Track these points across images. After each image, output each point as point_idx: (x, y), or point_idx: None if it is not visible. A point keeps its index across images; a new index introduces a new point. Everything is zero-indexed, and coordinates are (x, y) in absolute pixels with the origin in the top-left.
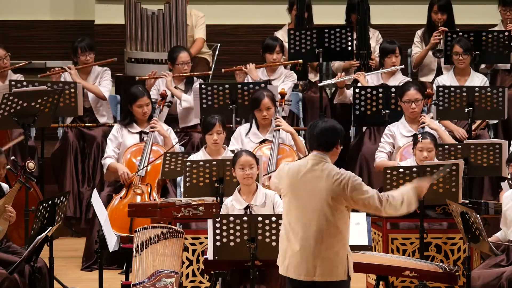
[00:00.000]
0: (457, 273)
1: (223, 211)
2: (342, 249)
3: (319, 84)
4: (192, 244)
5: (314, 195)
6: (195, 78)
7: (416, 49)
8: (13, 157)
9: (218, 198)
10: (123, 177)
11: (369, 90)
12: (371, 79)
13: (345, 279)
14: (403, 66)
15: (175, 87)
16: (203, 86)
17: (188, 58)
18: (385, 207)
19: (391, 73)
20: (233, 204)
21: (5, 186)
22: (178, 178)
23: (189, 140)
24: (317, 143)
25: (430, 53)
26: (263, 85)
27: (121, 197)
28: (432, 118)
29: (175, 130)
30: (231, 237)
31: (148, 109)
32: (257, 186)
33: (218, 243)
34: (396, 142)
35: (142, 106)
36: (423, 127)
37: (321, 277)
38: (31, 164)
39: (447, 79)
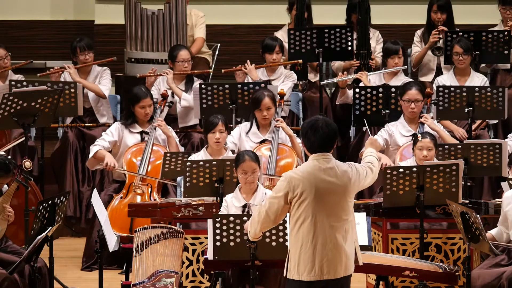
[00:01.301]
0: (457, 273)
1: (223, 206)
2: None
3: (321, 83)
4: (192, 244)
5: (334, 193)
6: (195, 78)
7: (416, 48)
8: (9, 157)
9: (218, 198)
10: (109, 165)
11: (369, 90)
12: (373, 79)
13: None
14: (405, 66)
15: (175, 86)
16: (203, 86)
17: (188, 56)
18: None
19: (393, 74)
20: (232, 201)
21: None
22: (178, 178)
23: (189, 140)
24: (321, 146)
25: (430, 52)
26: (263, 85)
27: (121, 197)
28: (432, 118)
29: (174, 130)
30: (231, 237)
31: (150, 110)
32: (257, 186)
33: (218, 243)
34: (395, 141)
35: (145, 107)
36: (423, 123)
37: (348, 271)
38: (27, 163)
39: (447, 79)
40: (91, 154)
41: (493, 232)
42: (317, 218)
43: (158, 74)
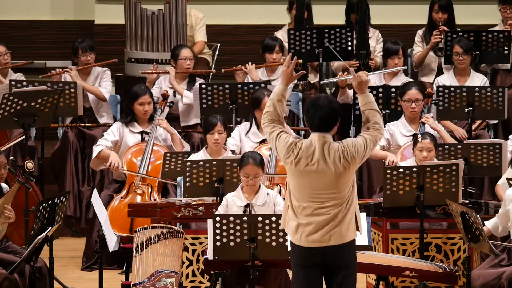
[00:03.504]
0: (457, 273)
1: (222, 204)
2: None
3: (321, 82)
4: (192, 244)
5: (322, 173)
6: (197, 78)
7: (418, 48)
8: (12, 157)
9: (218, 198)
10: (113, 164)
11: (369, 90)
12: (373, 79)
13: (355, 237)
14: (405, 67)
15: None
16: (203, 86)
17: (190, 54)
18: (379, 131)
19: (393, 74)
20: (234, 200)
21: (4, 186)
22: (178, 178)
23: (189, 140)
24: (321, 124)
25: (431, 53)
26: (263, 85)
27: (121, 197)
28: (432, 118)
29: (175, 129)
30: (231, 237)
31: (150, 108)
32: (259, 186)
33: (218, 243)
34: (396, 141)
35: (144, 104)
36: (424, 123)
37: (333, 240)
38: (29, 164)
39: (447, 79)
40: (94, 154)
41: (489, 225)
42: (302, 189)
43: (160, 71)
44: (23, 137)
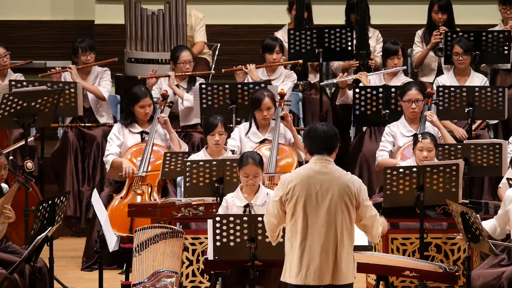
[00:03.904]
0: (457, 273)
1: (222, 205)
2: (351, 249)
3: (321, 84)
4: (192, 244)
5: (327, 197)
6: (197, 78)
7: (417, 48)
8: (11, 158)
9: (218, 198)
10: (127, 171)
11: (369, 90)
12: (373, 79)
13: (353, 281)
14: (405, 67)
15: (176, 85)
16: (203, 86)
17: (190, 57)
18: (377, 219)
19: (393, 74)
20: (233, 200)
21: (4, 186)
22: (178, 178)
23: (189, 140)
24: (321, 147)
25: (431, 53)
26: (263, 85)
27: (121, 197)
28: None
29: (175, 129)
30: (231, 237)
31: (150, 110)
32: (259, 186)
33: (218, 243)
34: (396, 141)
35: (144, 107)
36: (424, 123)
37: (337, 280)
38: (29, 164)
39: (447, 79)
40: (107, 166)
41: (486, 227)
42: (308, 220)
43: (159, 75)
44: (23, 142)
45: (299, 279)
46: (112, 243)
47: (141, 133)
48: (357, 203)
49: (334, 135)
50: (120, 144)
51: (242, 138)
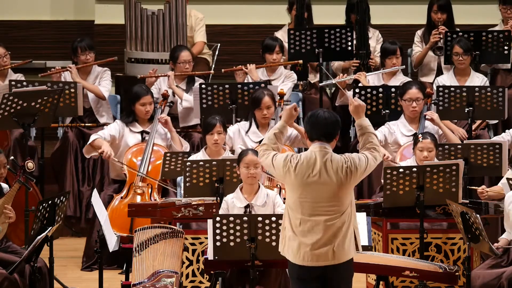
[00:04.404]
0: (457, 273)
1: (222, 206)
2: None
3: (320, 84)
4: (192, 244)
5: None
6: (196, 78)
7: (417, 48)
8: (12, 157)
9: (218, 198)
10: (104, 155)
11: (369, 90)
12: (372, 79)
13: (354, 256)
14: (403, 66)
15: (176, 86)
16: (203, 86)
17: (189, 57)
18: (378, 153)
19: (392, 74)
20: (233, 201)
21: (4, 186)
22: (178, 178)
23: (189, 140)
24: (321, 133)
25: (430, 53)
26: (263, 85)
27: (121, 197)
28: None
29: (175, 129)
30: (231, 237)
31: (151, 108)
32: (259, 186)
33: (218, 243)
34: (396, 140)
35: (145, 105)
36: (424, 123)
37: (337, 259)
38: (30, 164)
39: (447, 79)
40: (89, 142)
41: (505, 236)
42: (304, 203)
43: (159, 75)
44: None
45: (297, 259)
46: (112, 243)
47: (142, 132)
48: (360, 178)
49: (335, 121)
50: (112, 136)
51: (243, 136)
